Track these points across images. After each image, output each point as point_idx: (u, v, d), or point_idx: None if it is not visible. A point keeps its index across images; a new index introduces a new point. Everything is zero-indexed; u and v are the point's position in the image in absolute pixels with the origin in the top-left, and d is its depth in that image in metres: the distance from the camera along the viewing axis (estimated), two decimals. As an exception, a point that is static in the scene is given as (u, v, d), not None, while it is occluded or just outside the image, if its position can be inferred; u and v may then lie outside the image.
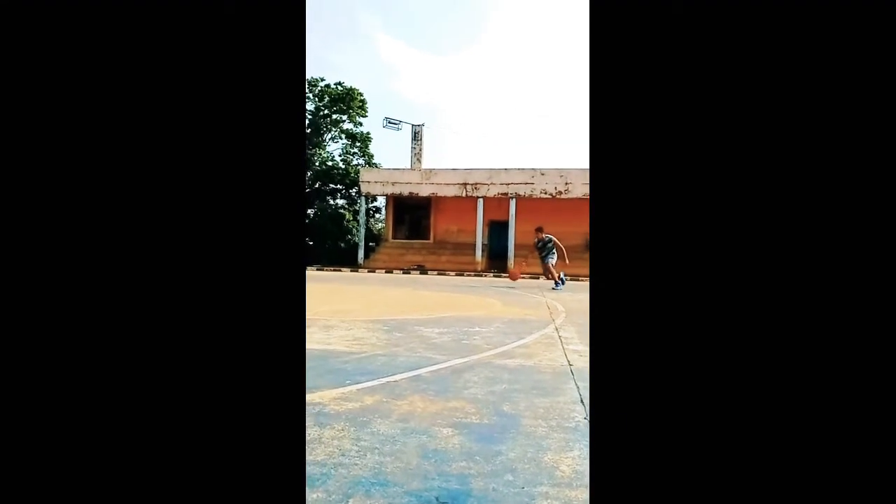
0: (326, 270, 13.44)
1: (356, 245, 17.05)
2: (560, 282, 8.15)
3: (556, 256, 8.25)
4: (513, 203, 15.47)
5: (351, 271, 13.44)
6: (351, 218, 18.23)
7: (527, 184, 15.51)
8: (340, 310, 4.05)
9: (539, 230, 8.67)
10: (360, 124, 20.27)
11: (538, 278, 10.48)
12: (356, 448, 1.20)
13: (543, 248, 8.38)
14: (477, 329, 3.20)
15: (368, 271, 13.57)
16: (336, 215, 18.35)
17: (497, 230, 16.55)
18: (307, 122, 19.75)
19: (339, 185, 19.53)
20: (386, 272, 13.14)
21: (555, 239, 8.38)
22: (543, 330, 3.26)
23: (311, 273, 11.89)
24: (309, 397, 1.60)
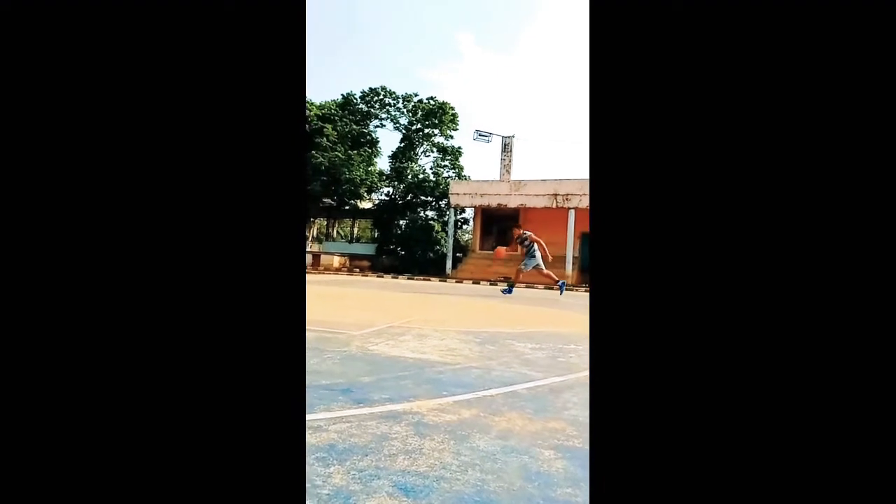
0: (416, 280, 13.81)
1: (444, 255, 17.35)
2: (508, 289, 7.78)
3: (536, 259, 7.73)
4: (606, 215, 14.78)
5: (439, 281, 13.68)
6: (440, 229, 18.61)
7: (622, 194, 14.73)
8: (432, 319, 4.12)
9: (517, 227, 8.23)
10: (451, 137, 20.72)
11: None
12: (457, 462, 1.19)
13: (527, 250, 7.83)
14: (573, 346, 3.07)
15: (456, 281, 13.72)
16: (426, 226, 18.84)
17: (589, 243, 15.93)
18: (401, 136, 20.59)
19: (429, 198, 20.05)
20: (473, 283, 13.19)
21: (532, 235, 7.86)
22: (645, 351, 3.04)
23: (402, 282, 12.28)
24: (408, 406, 1.63)
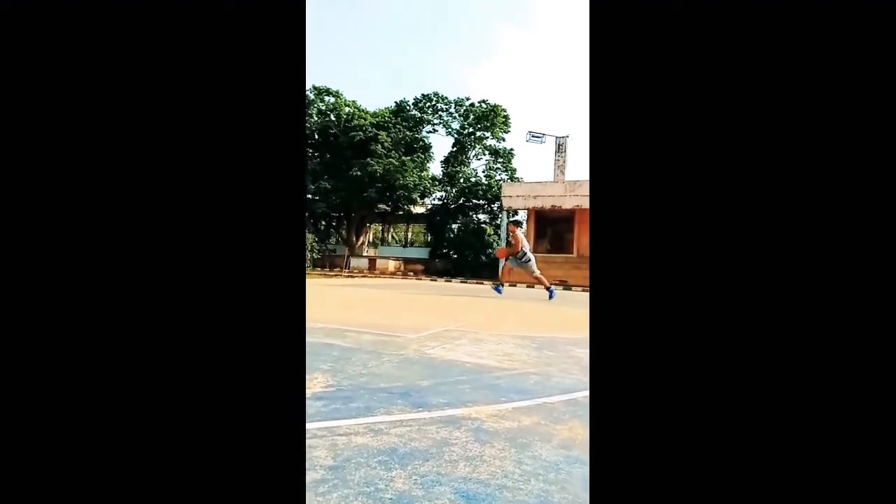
0: (469, 283, 13.80)
1: (497, 259, 17.22)
2: (499, 288, 7.37)
3: (532, 261, 7.39)
4: (667, 215, 14.10)
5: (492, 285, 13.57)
6: (492, 232, 18.52)
7: (684, 193, 14.00)
8: (487, 323, 4.09)
9: (515, 223, 7.80)
10: (503, 139, 20.60)
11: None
12: (519, 471, 1.16)
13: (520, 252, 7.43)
14: (634, 353, 2.94)
15: (510, 285, 13.58)
16: (478, 230, 18.80)
17: (648, 244, 15.19)
18: (453, 141, 20.71)
19: (481, 201, 20.01)
20: (527, 286, 12.99)
21: (519, 235, 7.39)
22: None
23: (455, 285, 12.31)
24: (466, 411, 1.62)
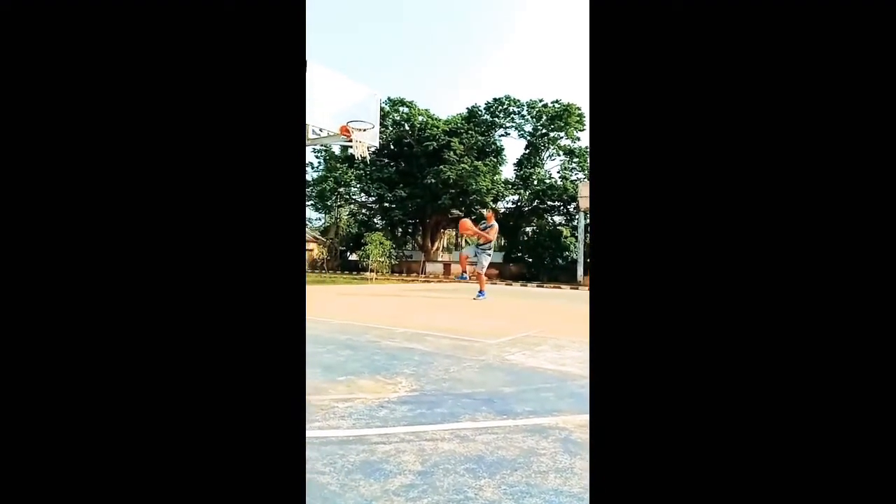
0: (546, 287, 13.51)
1: (574, 261, 16.72)
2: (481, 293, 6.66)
3: (488, 259, 6.68)
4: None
5: (570, 288, 13.20)
6: (569, 234, 18.00)
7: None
8: (567, 329, 3.97)
9: (493, 209, 6.96)
10: (578, 139, 20.03)
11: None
12: (613, 487, 1.10)
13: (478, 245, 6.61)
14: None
15: (588, 289, 13.08)
16: (553, 232, 18.38)
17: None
18: (526, 143, 20.48)
19: (556, 202, 19.58)
20: (608, 290, 12.43)
21: (495, 224, 6.64)
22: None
23: (531, 289, 12.12)
24: (553, 420, 1.57)
